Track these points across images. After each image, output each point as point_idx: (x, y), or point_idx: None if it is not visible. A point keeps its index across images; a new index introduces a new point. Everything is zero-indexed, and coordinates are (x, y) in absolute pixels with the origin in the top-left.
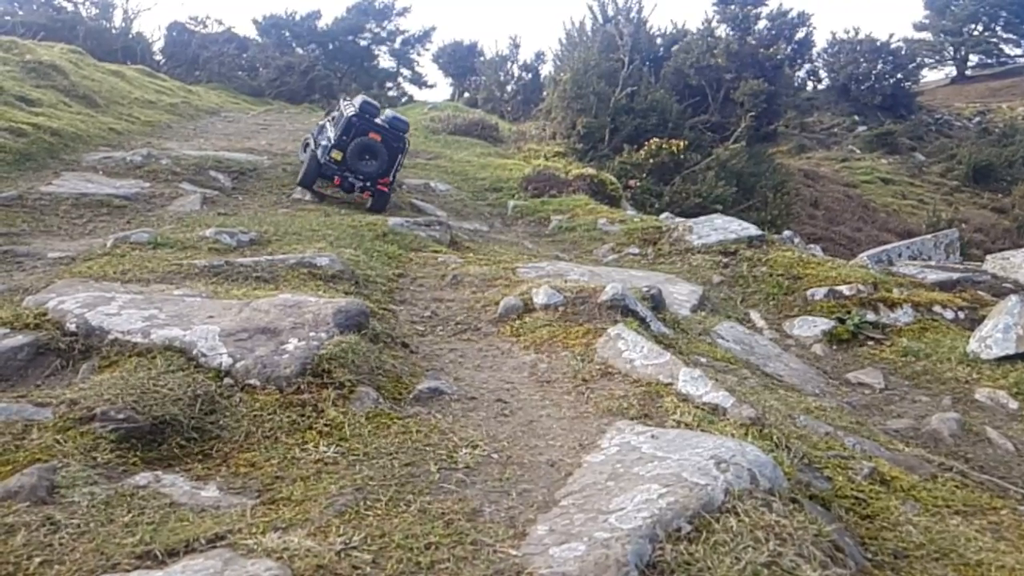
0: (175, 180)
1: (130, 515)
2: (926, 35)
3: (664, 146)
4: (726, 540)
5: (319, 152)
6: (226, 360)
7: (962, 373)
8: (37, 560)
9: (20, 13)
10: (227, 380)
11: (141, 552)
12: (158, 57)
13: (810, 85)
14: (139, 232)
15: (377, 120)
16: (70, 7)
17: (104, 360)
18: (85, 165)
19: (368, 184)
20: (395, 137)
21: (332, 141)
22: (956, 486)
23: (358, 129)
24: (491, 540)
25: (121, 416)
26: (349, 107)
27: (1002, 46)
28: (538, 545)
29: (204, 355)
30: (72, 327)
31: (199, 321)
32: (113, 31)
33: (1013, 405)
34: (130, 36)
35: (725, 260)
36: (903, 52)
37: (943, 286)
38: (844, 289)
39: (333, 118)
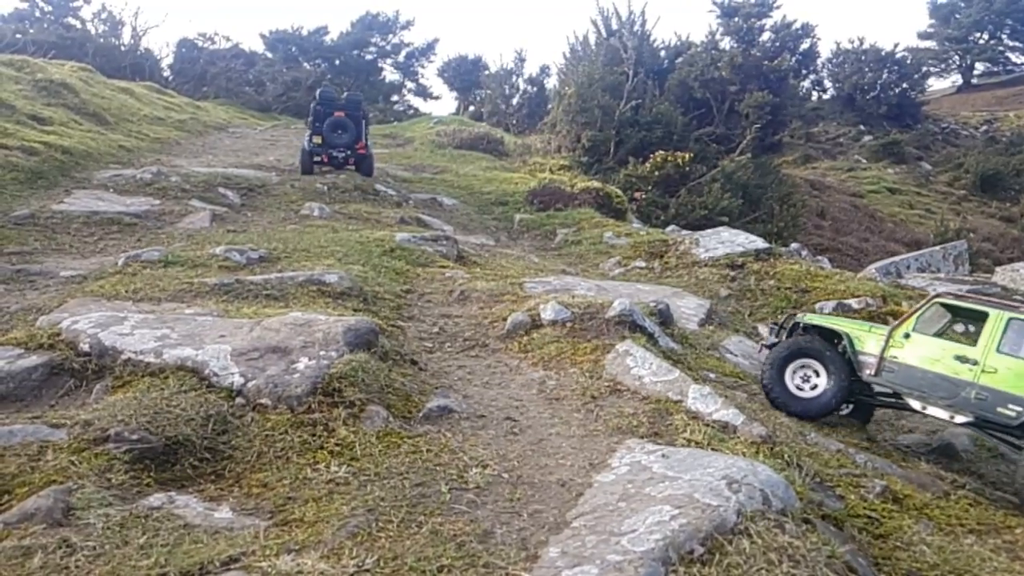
0: (185, 197)
1: (145, 537)
2: (931, 44)
3: (669, 158)
4: (739, 563)
5: (306, 144)
6: (238, 380)
7: None
8: None
9: (31, 31)
10: (239, 400)
11: (156, 575)
12: (166, 73)
13: (815, 95)
14: (150, 250)
15: (338, 101)
16: (79, 25)
17: (117, 380)
18: (96, 183)
19: (348, 153)
20: (355, 108)
21: (311, 130)
22: (970, 504)
23: (324, 112)
24: (503, 563)
25: (135, 437)
26: (314, 101)
27: (1008, 54)
28: (550, 568)
29: (216, 375)
30: (85, 347)
31: (211, 340)
32: (122, 48)
33: None
34: (139, 53)
35: (732, 273)
36: (908, 61)
37: None
38: (853, 303)
39: (308, 121)
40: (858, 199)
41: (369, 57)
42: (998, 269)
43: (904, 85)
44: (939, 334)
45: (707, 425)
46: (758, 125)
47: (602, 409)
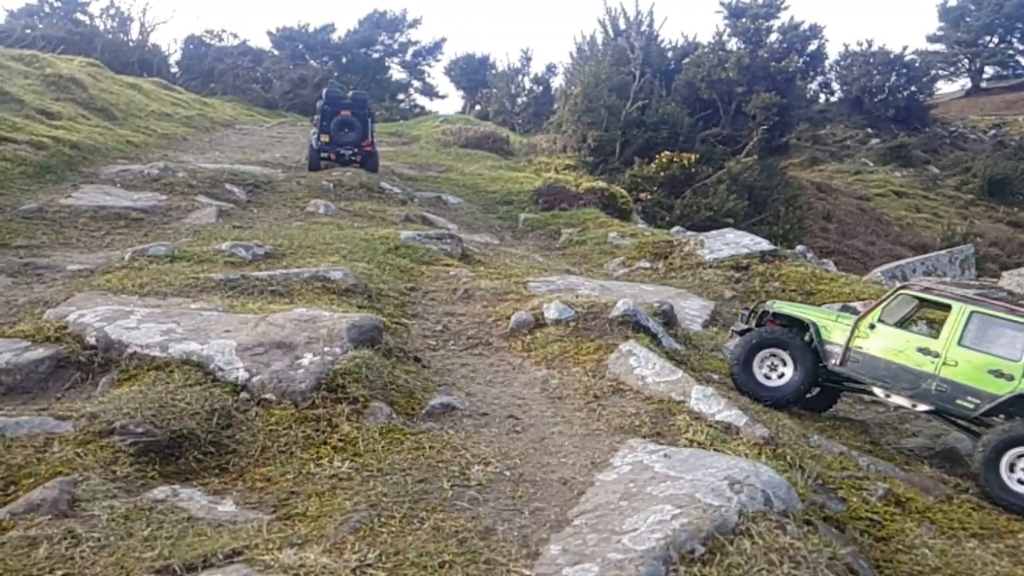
0: (191, 193)
1: (149, 529)
2: (940, 47)
3: (675, 159)
4: (740, 563)
5: (313, 142)
6: (242, 374)
7: None
8: (59, 573)
9: (40, 27)
10: (243, 394)
11: (160, 567)
12: (174, 70)
13: (823, 97)
14: (156, 245)
15: (344, 100)
16: (88, 21)
17: (123, 373)
18: (103, 178)
19: (356, 150)
20: (361, 107)
21: (318, 129)
22: (972, 508)
23: (331, 112)
24: (504, 559)
25: (140, 430)
26: (320, 100)
27: (1018, 58)
28: (551, 566)
29: (221, 369)
30: (92, 340)
31: (216, 335)
32: (130, 44)
33: None
34: (147, 49)
35: (737, 275)
36: (917, 64)
37: None
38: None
39: (315, 119)
40: (865, 202)
41: (376, 55)
42: (1004, 274)
43: (912, 88)
44: (902, 325)
45: (709, 426)
46: (765, 127)
47: (604, 408)
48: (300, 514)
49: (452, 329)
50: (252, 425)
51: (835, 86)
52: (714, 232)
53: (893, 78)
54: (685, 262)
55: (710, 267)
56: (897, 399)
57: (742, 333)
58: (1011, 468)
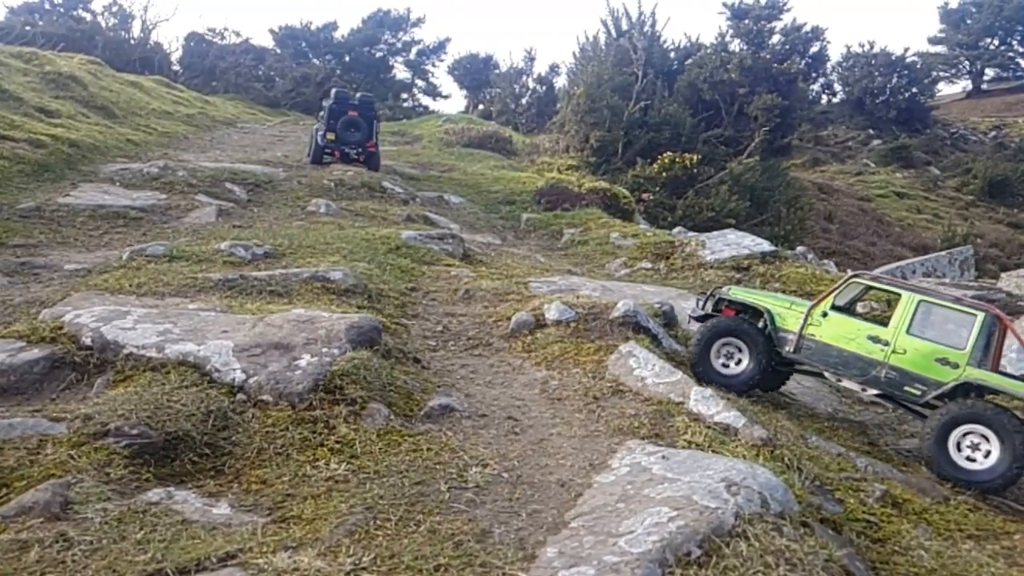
0: (191, 192)
1: (142, 532)
2: (941, 49)
3: (677, 160)
4: (736, 565)
5: (318, 138)
6: (239, 376)
7: None
8: None
9: (40, 24)
10: (240, 396)
11: (153, 570)
12: (176, 68)
13: (824, 99)
14: (155, 245)
15: (352, 102)
16: (89, 18)
17: (119, 374)
18: (102, 176)
19: (360, 150)
20: (368, 109)
21: (325, 127)
22: (969, 509)
23: (339, 112)
24: (500, 562)
25: (135, 432)
26: (328, 100)
27: (1019, 60)
28: (547, 569)
29: (218, 370)
30: (87, 341)
31: (213, 336)
32: (131, 42)
33: None
34: (148, 47)
35: (738, 276)
36: (918, 66)
37: None
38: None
39: (321, 116)
40: (866, 203)
41: (379, 54)
42: (1003, 275)
43: (914, 90)
44: (850, 312)
45: (708, 427)
46: (767, 128)
47: (604, 410)
48: (295, 517)
49: (452, 330)
50: (248, 427)
51: (837, 87)
52: (715, 233)
53: (894, 80)
54: (686, 263)
55: (711, 268)
56: (848, 384)
57: (699, 319)
58: (958, 447)
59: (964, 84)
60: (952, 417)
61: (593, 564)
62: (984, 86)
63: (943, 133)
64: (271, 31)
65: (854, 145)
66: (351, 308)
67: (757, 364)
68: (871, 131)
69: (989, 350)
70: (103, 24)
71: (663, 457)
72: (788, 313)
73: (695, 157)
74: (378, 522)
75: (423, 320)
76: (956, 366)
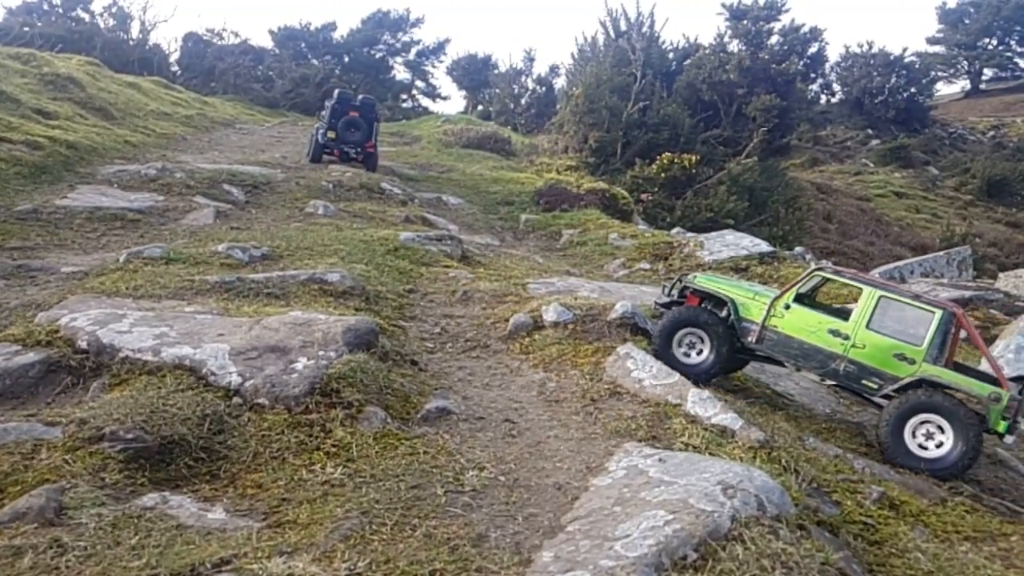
0: (189, 194)
1: (137, 537)
2: (940, 49)
3: (676, 160)
4: (731, 569)
5: (319, 136)
6: (235, 379)
7: None
8: None
9: (39, 25)
10: (236, 399)
11: None
12: (174, 68)
13: (823, 99)
14: (152, 247)
15: (354, 102)
16: (88, 19)
17: (114, 378)
18: (100, 178)
19: (359, 150)
20: (369, 111)
21: (326, 126)
22: (966, 511)
23: (341, 112)
24: (496, 567)
25: (130, 436)
26: (331, 100)
27: (1017, 60)
28: (543, 573)
29: (214, 374)
30: (83, 344)
31: (209, 339)
32: (130, 43)
33: None
34: (147, 48)
35: (737, 277)
36: (917, 66)
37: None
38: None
39: (322, 115)
40: (865, 203)
41: (379, 55)
42: (1001, 275)
43: (912, 90)
44: (813, 304)
45: (705, 429)
46: (765, 128)
47: (601, 412)
48: (291, 521)
49: (450, 331)
50: (244, 431)
51: (835, 87)
52: (714, 233)
53: (893, 80)
54: (685, 263)
55: (709, 268)
56: (807, 374)
57: (665, 306)
58: (913, 435)
59: (962, 84)
60: (910, 406)
61: (589, 568)
62: (982, 86)
63: (942, 133)
64: (270, 32)
65: (853, 145)
66: (348, 310)
67: (717, 355)
68: (870, 131)
69: (945, 347)
70: (102, 25)
71: (660, 460)
72: (752, 303)
73: (694, 158)
74: (374, 527)
75: (421, 322)
76: (913, 362)
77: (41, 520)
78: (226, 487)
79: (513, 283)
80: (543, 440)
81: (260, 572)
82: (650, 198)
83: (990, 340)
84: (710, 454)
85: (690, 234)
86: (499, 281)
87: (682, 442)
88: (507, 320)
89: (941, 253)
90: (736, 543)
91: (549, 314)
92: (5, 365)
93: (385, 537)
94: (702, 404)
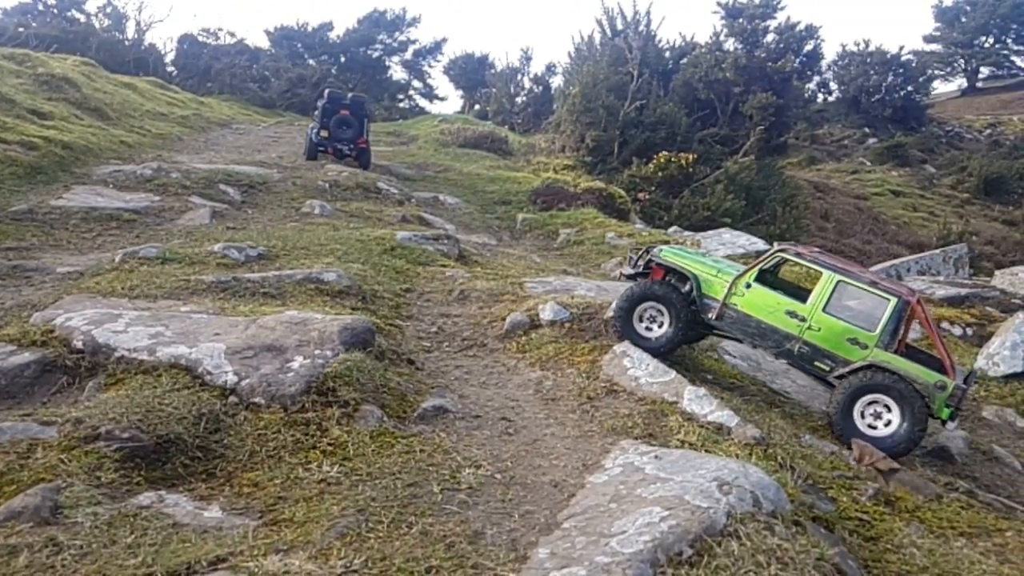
0: (185, 194)
1: (133, 536)
2: (936, 47)
3: (673, 159)
4: (727, 564)
5: (313, 135)
6: (231, 378)
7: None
8: None
9: (34, 25)
10: (232, 398)
11: (143, 575)
12: (170, 69)
13: (820, 97)
14: (148, 247)
15: (344, 101)
16: (83, 19)
17: (110, 378)
18: (95, 178)
19: (352, 147)
20: (359, 108)
21: (319, 125)
22: (961, 507)
23: (332, 110)
24: (492, 564)
25: (126, 435)
26: (322, 99)
27: (1013, 58)
28: (539, 569)
29: (210, 373)
30: (79, 344)
31: (205, 338)
32: (126, 43)
33: (1021, 423)
34: (142, 48)
35: None
36: (913, 64)
37: (951, 302)
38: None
39: (315, 115)
40: (862, 201)
41: (375, 55)
42: (997, 272)
43: (909, 88)
44: (773, 285)
45: (701, 427)
46: (762, 127)
47: (598, 410)
48: (287, 520)
49: (447, 331)
50: (240, 429)
51: (832, 86)
52: (711, 232)
53: (890, 78)
54: None
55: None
56: (763, 351)
57: (630, 277)
58: (862, 415)
59: (959, 82)
60: (858, 387)
61: (584, 565)
62: (979, 84)
63: (938, 131)
64: (266, 32)
65: (850, 143)
66: (345, 310)
67: (676, 330)
68: (867, 129)
69: (897, 334)
70: (97, 25)
71: (656, 457)
72: (715, 280)
73: (691, 156)
74: (370, 524)
75: (417, 321)
76: (865, 347)
77: (37, 519)
78: (222, 486)
79: (510, 282)
80: (539, 438)
81: (256, 570)
82: (647, 197)
83: (986, 337)
84: (706, 451)
85: (687, 233)
86: (496, 280)
87: (678, 439)
88: (504, 319)
89: (938, 251)
90: (732, 539)
91: (546, 313)
92: (1, 365)
93: (381, 535)
94: (698, 402)
